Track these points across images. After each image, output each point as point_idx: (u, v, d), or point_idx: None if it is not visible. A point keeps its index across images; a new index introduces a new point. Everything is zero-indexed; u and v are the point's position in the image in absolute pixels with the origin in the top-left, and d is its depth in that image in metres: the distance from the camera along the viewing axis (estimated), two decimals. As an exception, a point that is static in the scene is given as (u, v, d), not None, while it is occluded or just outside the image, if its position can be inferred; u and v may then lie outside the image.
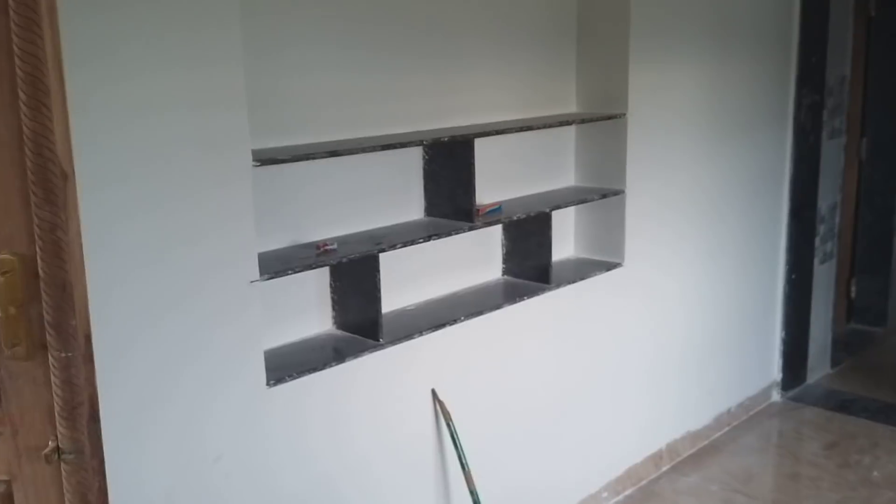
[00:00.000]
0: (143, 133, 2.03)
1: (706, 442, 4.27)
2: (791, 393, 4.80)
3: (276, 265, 2.38)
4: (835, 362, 5.15)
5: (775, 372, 4.75)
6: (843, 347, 5.31)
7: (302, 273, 2.46)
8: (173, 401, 2.17)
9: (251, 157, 2.24)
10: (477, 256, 3.22)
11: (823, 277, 4.94)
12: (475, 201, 2.90)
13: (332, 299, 2.77)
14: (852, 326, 5.71)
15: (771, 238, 4.54)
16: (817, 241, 4.83)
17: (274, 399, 2.40)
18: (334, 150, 2.44)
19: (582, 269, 3.46)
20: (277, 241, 2.59)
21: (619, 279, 3.57)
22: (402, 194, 2.94)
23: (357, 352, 2.61)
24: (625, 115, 3.41)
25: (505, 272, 3.35)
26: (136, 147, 2.02)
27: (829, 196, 4.85)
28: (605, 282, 3.51)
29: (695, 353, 4.12)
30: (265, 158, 2.28)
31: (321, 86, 2.61)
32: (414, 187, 2.97)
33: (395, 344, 2.70)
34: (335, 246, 2.58)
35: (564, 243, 3.59)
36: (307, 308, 2.71)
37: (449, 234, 2.81)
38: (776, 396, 4.76)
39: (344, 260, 2.51)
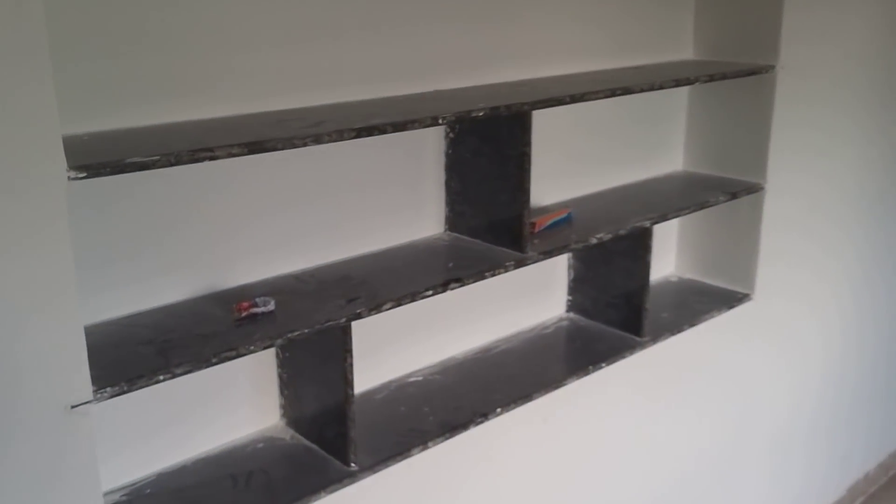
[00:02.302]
0: None
1: (835, 522, 3.10)
2: (944, 443, 3.57)
3: (132, 365, 1.24)
4: None
5: (926, 417, 3.52)
6: None
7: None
8: None
9: (64, 161, 1.08)
10: (526, 283, 2.04)
11: None
12: (529, 213, 1.71)
13: (280, 378, 1.63)
14: None
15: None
16: None
17: None
18: (256, 141, 1.25)
19: (690, 306, 2.25)
20: (171, 291, 1.45)
21: (746, 320, 2.36)
22: (407, 196, 1.76)
23: (310, 491, 1.47)
24: (774, 68, 2.14)
25: (571, 307, 2.17)
26: None
27: None
28: (726, 326, 2.30)
29: (834, 409, 2.91)
30: (99, 163, 1.11)
31: (234, 6, 1.42)
32: (428, 184, 1.79)
33: (378, 469, 1.56)
34: (271, 305, 1.43)
35: (661, 255, 2.38)
36: (236, 392, 1.58)
37: (482, 277, 1.63)
38: (924, 449, 3.54)
39: (278, 342, 1.36)
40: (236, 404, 1.59)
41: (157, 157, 1.15)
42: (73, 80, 1.24)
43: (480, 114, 1.53)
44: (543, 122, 1.77)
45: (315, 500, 1.47)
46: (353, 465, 1.52)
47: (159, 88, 1.34)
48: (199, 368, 1.26)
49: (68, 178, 1.08)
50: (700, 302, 2.28)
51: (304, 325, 1.38)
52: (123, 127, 1.32)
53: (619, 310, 2.08)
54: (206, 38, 1.38)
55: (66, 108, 1.19)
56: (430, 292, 1.53)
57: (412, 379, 1.84)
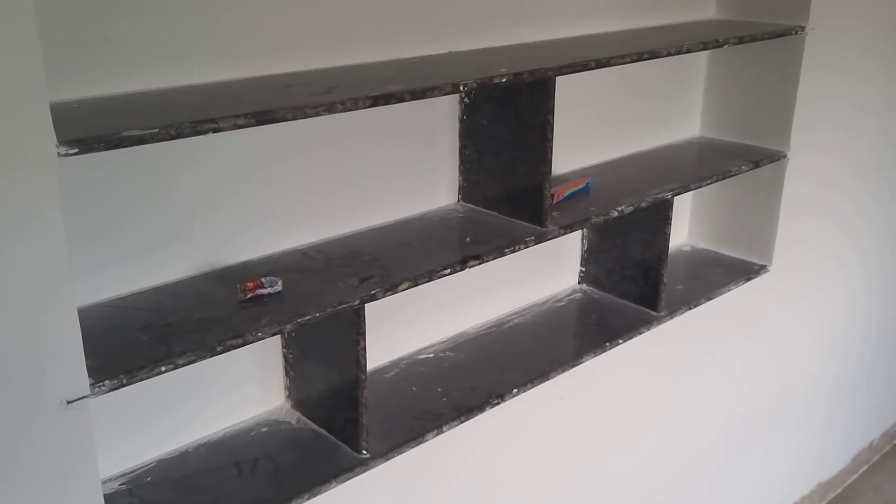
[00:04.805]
0: None
1: (838, 491, 3.07)
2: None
3: (131, 354, 1.14)
4: None
5: (931, 384, 3.49)
6: None
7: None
8: None
9: (54, 135, 0.97)
10: (538, 253, 1.94)
11: None
12: (550, 185, 1.61)
13: (286, 358, 1.55)
14: None
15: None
16: None
17: None
18: (264, 111, 1.14)
19: (705, 278, 2.17)
20: (168, 269, 1.35)
21: (763, 293, 2.28)
22: (418, 164, 1.65)
23: (320, 480, 1.40)
24: (803, 29, 2.03)
25: (583, 279, 2.09)
26: None
27: None
28: (742, 299, 2.23)
29: (846, 381, 2.87)
30: (92, 137, 1.00)
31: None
32: (441, 152, 1.68)
33: (392, 456, 1.48)
34: (278, 286, 1.33)
35: (673, 224, 2.27)
36: (238, 371, 1.49)
37: (502, 254, 1.54)
38: (927, 416, 3.52)
39: (288, 328, 1.27)
40: (238, 385, 1.51)
41: (157, 130, 1.04)
42: (60, 40, 1.13)
43: (503, 80, 1.42)
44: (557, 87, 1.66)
45: (326, 489, 1.39)
46: (364, 452, 1.45)
47: (152, 49, 1.22)
48: (204, 357, 1.17)
49: (58, 154, 0.97)
50: (715, 273, 2.20)
51: (315, 308, 1.29)
52: (116, 93, 1.20)
53: (634, 283, 2.00)
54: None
55: (52, 70, 1.08)
56: (448, 271, 1.44)
57: (423, 356, 1.76)
